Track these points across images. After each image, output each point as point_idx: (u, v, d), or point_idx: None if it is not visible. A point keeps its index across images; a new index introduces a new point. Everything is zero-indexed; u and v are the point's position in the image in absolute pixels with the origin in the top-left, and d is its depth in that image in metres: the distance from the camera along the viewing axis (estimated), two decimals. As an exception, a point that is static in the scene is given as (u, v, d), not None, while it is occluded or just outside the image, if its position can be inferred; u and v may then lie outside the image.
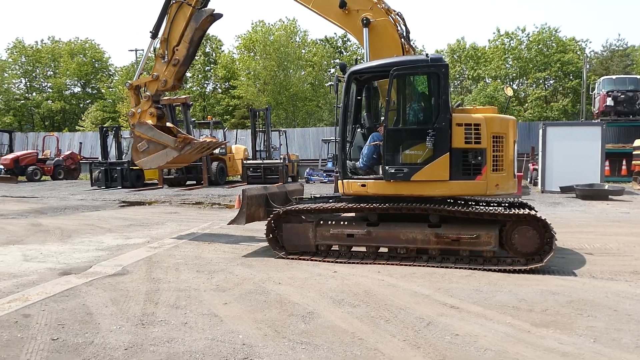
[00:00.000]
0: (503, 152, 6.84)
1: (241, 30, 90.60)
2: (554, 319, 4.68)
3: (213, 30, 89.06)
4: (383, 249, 7.16)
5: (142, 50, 54.74)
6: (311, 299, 5.40)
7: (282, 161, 24.22)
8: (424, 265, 6.69)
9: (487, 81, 48.74)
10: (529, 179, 22.39)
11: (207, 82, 55.70)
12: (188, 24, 8.78)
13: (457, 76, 52.49)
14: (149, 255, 7.72)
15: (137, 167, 23.18)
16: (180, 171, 23.15)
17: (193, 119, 26.74)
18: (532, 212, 6.45)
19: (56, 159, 30.19)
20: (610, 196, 16.15)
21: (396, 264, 6.78)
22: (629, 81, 27.15)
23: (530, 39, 48.88)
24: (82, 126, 50.13)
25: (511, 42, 49.98)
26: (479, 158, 6.65)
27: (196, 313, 4.94)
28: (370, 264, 6.88)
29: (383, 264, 6.84)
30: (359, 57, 63.66)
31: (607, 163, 20.45)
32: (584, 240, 8.60)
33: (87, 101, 58.77)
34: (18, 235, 9.75)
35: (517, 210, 6.60)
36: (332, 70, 58.79)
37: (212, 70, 54.88)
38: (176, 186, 22.87)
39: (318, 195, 8.64)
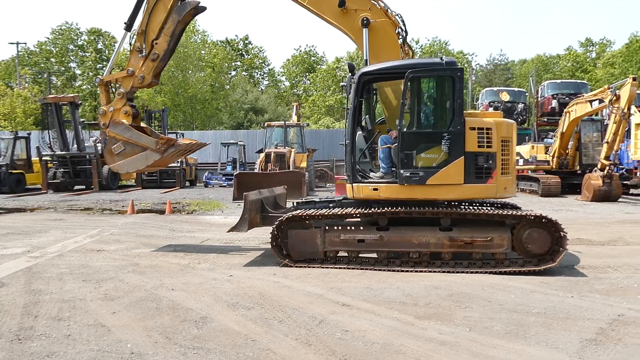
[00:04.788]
0: (509, 156, 6.98)
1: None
2: (435, 311, 5.02)
3: (106, 25, 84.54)
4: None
5: (25, 43, 50.78)
6: (205, 303, 5.34)
7: (179, 165, 23.54)
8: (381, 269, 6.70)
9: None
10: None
11: (98, 80, 52.79)
12: (169, 16, 8.13)
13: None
14: (29, 266, 7.18)
15: (18, 171, 21.46)
16: (67, 175, 21.71)
17: (82, 120, 25.21)
18: (545, 214, 6.58)
19: None
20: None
21: (411, 271, 6.65)
22: (510, 93, 29.63)
23: (422, 50, 51.73)
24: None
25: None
26: (490, 162, 6.71)
27: (81, 324, 4.69)
28: (382, 270, 6.71)
29: (396, 270, 6.67)
30: (260, 61, 63.46)
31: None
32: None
33: (-41, 98, 53.28)
34: None
35: (529, 212, 6.69)
36: (234, 73, 58.27)
37: (104, 69, 52.14)
38: (62, 191, 21.38)
39: (317, 200, 8.18)
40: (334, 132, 35.02)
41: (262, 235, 9.80)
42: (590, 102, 16.62)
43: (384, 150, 7.22)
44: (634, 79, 14.95)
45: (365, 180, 7.15)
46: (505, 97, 18.48)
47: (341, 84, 8.62)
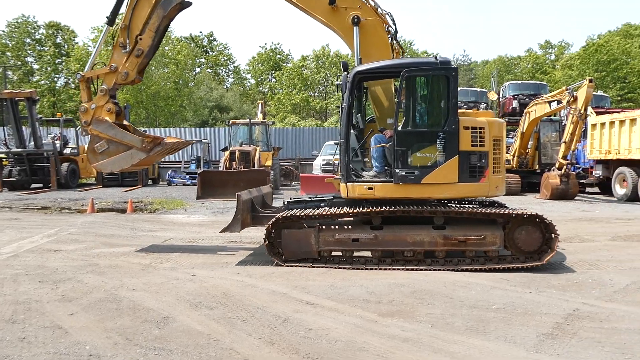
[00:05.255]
0: (500, 155, 7.08)
1: (98, 21, 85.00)
2: (398, 308, 5.07)
3: (64, 19, 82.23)
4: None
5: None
6: (167, 303, 5.25)
7: (142, 163, 23.05)
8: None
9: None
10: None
11: (57, 75, 51.22)
12: (153, 10, 7.89)
13: (322, 82, 54.28)
14: (-18, 266, 6.92)
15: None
16: (24, 173, 20.99)
17: (40, 116, 24.43)
18: (536, 212, 6.74)
19: None
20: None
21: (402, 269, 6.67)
22: (471, 93, 30.18)
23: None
24: None
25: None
26: (483, 161, 6.79)
27: (37, 326, 4.55)
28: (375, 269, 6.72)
29: (390, 269, 6.69)
30: (225, 58, 62.82)
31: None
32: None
33: None
34: None
35: (522, 210, 6.84)
36: (198, 70, 57.51)
37: (64, 64, 50.58)
38: (18, 190, 20.64)
39: (308, 198, 7.99)
40: (300, 131, 35.04)
41: (226, 235, 9.71)
42: (549, 102, 17.08)
43: (378, 150, 7.21)
44: (591, 81, 15.44)
45: (360, 180, 7.12)
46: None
47: (336, 82, 8.10)
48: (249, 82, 63.81)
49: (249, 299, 5.37)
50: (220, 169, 19.10)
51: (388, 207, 6.79)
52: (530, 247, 6.77)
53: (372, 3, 7.81)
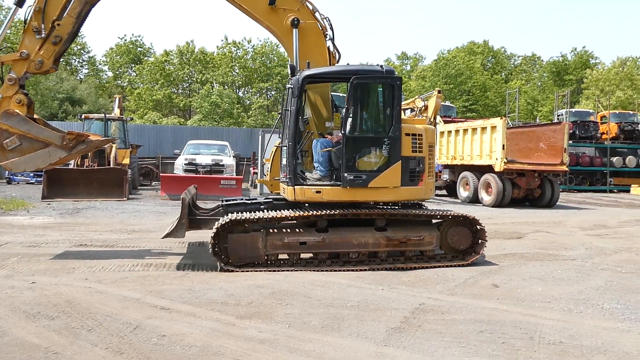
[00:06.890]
0: (433, 161, 7.48)
1: None
2: (257, 310, 5.05)
3: None
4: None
5: None
6: (-2, 316, 4.68)
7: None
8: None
9: (215, 86, 50.11)
10: (250, 182, 23.74)
11: None
12: None
13: (186, 78, 52.67)
14: None
15: None
16: None
17: None
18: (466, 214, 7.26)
19: None
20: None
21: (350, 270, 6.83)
22: (336, 98, 31.23)
23: (255, 50, 52.23)
24: None
25: (238, 51, 52.54)
26: (421, 166, 7.13)
27: None
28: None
29: (344, 270, 6.79)
30: (79, 47, 58.03)
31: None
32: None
33: None
34: None
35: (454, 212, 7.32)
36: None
37: None
38: None
39: (247, 201, 7.75)
40: (161, 129, 33.68)
41: (75, 237, 8.99)
42: (404, 110, 18.32)
43: (324, 154, 7.23)
44: (439, 92, 16.90)
45: (308, 183, 7.12)
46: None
47: (287, 85, 8.03)
48: (106, 74, 59.75)
49: (97, 307, 4.99)
50: (71, 166, 17.57)
51: (332, 211, 6.92)
52: (463, 246, 7.36)
53: (310, 6, 7.94)
